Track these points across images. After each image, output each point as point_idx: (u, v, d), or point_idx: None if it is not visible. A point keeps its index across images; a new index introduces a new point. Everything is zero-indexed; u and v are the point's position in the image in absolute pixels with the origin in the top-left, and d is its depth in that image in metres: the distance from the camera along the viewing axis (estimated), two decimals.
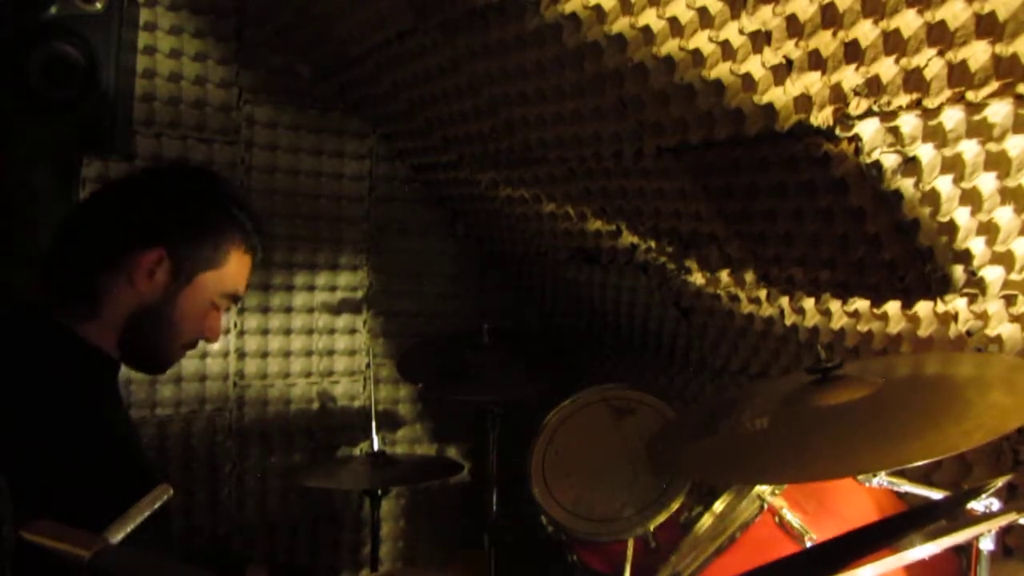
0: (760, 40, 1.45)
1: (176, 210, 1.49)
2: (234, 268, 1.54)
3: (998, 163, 1.34)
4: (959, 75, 1.26)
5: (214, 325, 1.56)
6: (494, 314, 2.94)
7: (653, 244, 2.26)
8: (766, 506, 1.46)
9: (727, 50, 1.51)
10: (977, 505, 1.14)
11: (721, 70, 1.54)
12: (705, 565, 1.48)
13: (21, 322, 1.45)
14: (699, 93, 1.63)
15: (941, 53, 1.25)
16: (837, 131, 1.46)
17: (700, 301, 2.26)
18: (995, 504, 1.14)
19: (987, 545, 1.09)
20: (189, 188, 1.55)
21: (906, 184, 1.45)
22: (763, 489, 1.47)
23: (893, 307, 1.70)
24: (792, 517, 1.43)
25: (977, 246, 1.46)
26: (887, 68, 1.33)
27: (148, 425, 2.52)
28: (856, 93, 1.39)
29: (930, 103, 1.31)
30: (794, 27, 1.40)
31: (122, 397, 1.58)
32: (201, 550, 2.59)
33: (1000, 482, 1.12)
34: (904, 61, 1.30)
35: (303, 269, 2.77)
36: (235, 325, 2.68)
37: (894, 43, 1.30)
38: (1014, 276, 1.46)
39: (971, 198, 1.40)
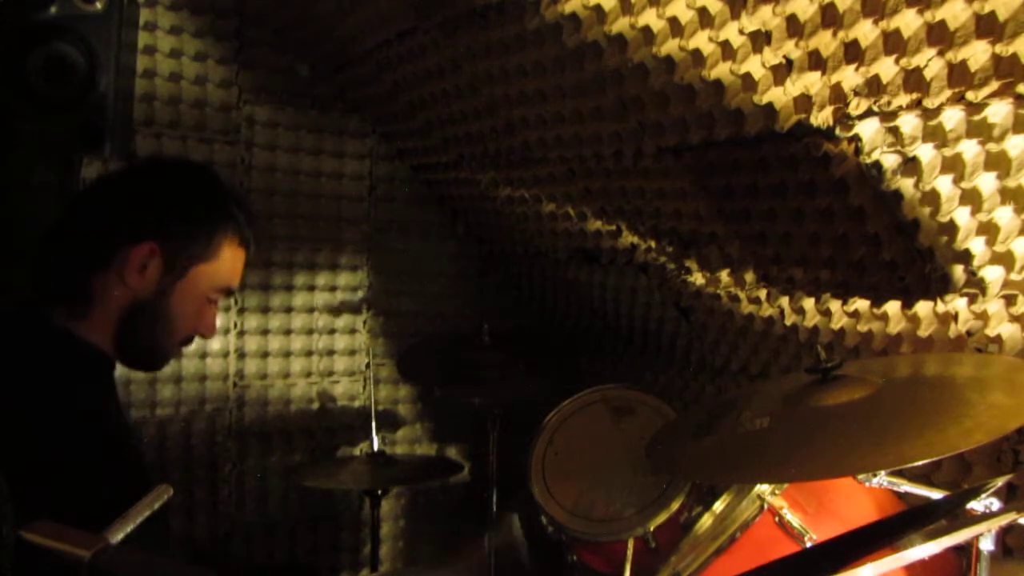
0: (760, 40, 1.45)
1: (166, 203, 1.47)
2: (227, 261, 1.51)
3: (998, 163, 1.34)
4: (959, 75, 1.26)
5: (209, 321, 1.54)
6: (494, 314, 2.93)
7: (653, 244, 2.26)
8: (766, 506, 1.46)
9: (727, 50, 1.51)
10: (977, 505, 1.14)
11: (721, 70, 1.54)
12: (705, 565, 1.48)
13: (15, 321, 1.44)
14: (699, 93, 1.63)
15: (941, 53, 1.25)
16: (837, 131, 1.46)
17: (700, 301, 2.26)
18: (995, 504, 1.14)
19: (987, 545, 1.09)
20: (178, 181, 1.54)
21: (906, 184, 1.45)
22: (763, 489, 1.47)
23: (893, 307, 1.70)
24: (792, 517, 1.43)
25: (977, 246, 1.46)
26: (887, 68, 1.33)
27: (148, 425, 2.52)
28: (856, 93, 1.39)
29: (930, 103, 1.31)
30: (794, 27, 1.40)
31: (119, 395, 1.57)
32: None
33: (1000, 482, 1.12)
34: (904, 61, 1.30)
35: (303, 269, 2.77)
36: (235, 325, 2.68)
37: (894, 43, 1.30)
38: (1014, 276, 1.46)
39: (971, 198, 1.40)
